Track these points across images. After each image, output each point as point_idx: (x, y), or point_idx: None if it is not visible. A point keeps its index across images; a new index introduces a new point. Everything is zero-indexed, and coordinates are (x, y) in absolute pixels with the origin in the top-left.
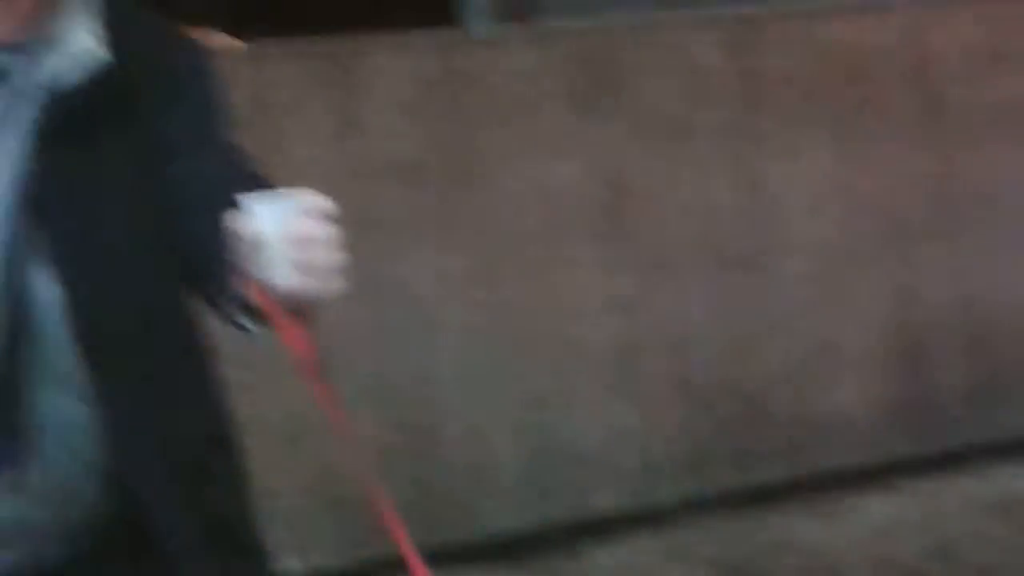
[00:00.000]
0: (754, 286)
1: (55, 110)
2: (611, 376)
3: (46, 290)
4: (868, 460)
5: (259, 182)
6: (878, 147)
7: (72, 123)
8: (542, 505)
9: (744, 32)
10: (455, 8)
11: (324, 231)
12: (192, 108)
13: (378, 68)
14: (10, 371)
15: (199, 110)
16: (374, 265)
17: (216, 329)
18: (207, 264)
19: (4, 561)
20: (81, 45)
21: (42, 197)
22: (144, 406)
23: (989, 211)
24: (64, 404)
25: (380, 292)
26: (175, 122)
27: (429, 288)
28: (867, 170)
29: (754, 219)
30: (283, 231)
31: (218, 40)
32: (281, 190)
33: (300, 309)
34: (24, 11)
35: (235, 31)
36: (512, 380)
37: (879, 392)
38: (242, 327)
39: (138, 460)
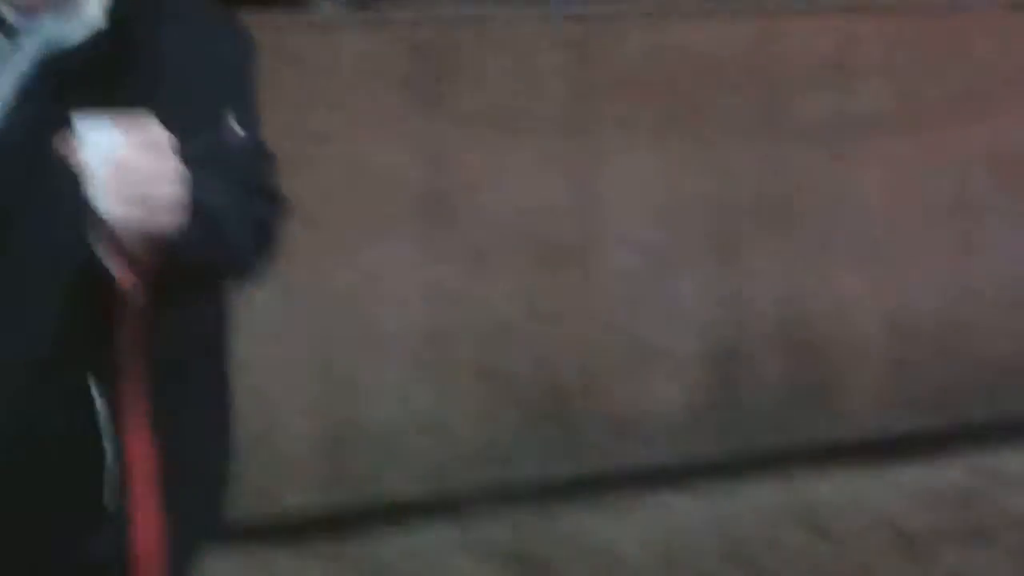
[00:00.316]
0: (573, 281)
1: (45, 66)
2: (418, 362)
3: None
4: (672, 460)
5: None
6: (710, 151)
7: (59, 82)
8: (336, 488)
9: (582, 30)
10: None
11: (153, 163)
12: (195, 95)
13: None
14: None
15: (202, 98)
16: None
17: None
18: None
19: None
20: (86, 13)
21: (6, 145)
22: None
23: (817, 218)
24: None
25: None
26: (169, 104)
27: None
28: (696, 172)
29: (578, 215)
30: (109, 161)
31: None
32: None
33: (135, 243)
34: None
35: None
36: (316, 361)
37: (690, 392)
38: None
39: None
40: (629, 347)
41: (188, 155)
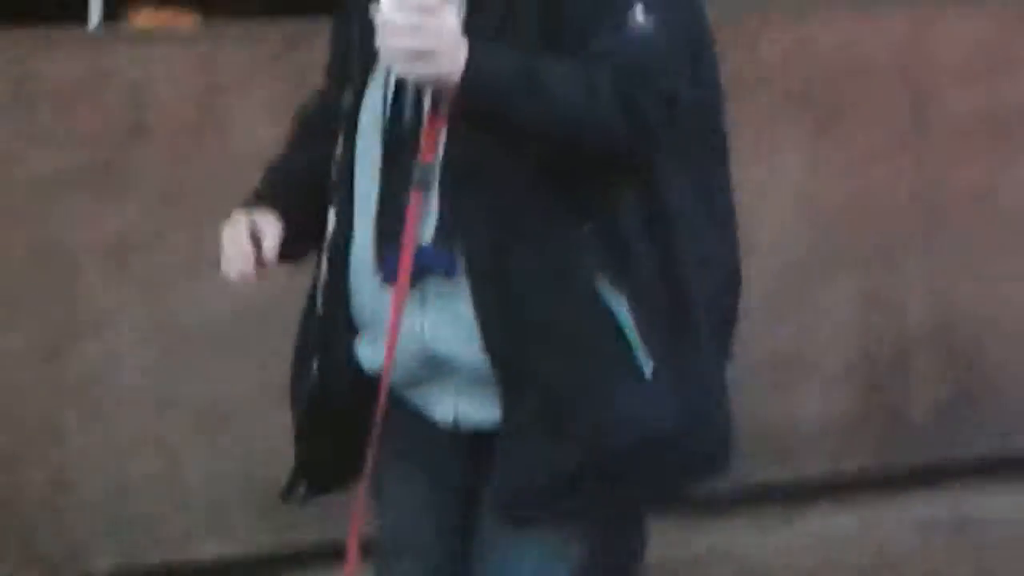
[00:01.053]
0: None
1: None
2: None
3: None
4: (821, 473)
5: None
6: (858, 151)
7: None
8: None
9: (724, 31)
10: None
11: (423, 23)
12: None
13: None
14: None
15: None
16: None
17: None
18: None
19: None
20: None
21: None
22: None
23: (972, 222)
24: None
25: None
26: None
27: None
28: (844, 175)
29: None
30: (387, 20)
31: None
32: None
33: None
34: None
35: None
36: None
37: (840, 405)
38: None
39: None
40: (774, 359)
41: (573, 43)
